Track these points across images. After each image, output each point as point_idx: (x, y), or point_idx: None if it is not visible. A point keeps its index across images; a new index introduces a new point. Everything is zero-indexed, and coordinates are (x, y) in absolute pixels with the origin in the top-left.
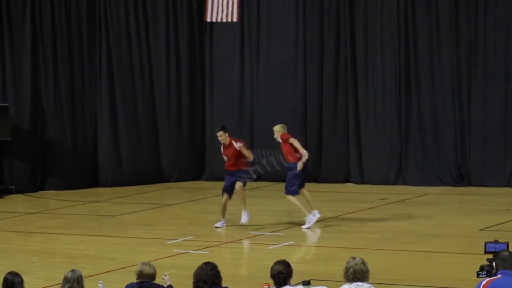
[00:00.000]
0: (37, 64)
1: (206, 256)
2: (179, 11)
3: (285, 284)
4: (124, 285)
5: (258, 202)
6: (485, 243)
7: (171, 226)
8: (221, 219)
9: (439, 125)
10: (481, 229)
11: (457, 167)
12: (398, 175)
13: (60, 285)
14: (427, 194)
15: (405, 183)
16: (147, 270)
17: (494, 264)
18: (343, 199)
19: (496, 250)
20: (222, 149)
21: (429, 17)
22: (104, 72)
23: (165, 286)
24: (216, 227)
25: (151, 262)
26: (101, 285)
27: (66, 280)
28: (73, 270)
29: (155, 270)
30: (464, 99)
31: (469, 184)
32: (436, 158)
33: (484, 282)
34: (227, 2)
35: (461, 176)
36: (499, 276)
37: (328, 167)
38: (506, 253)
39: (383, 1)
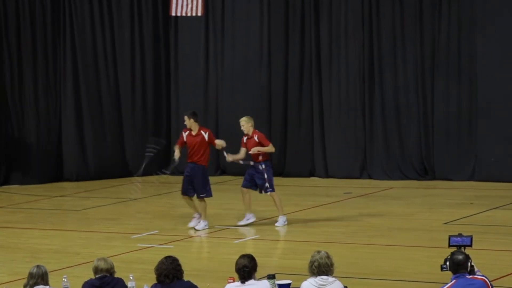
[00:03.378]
0: (2, 59)
1: (171, 250)
2: (144, 4)
3: (250, 278)
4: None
5: (222, 196)
6: (449, 237)
7: (136, 221)
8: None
9: (403, 120)
10: (445, 223)
11: (421, 161)
12: (362, 169)
13: (24, 281)
14: (392, 188)
15: (369, 177)
16: (102, 265)
17: (447, 265)
18: (308, 193)
19: (461, 244)
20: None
21: (393, 12)
22: (68, 66)
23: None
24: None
25: (107, 258)
26: (65, 280)
27: (31, 276)
28: (38, 266)
29: (112, 265)
30: (428, 93)
31: (433, 178)
32: (400, 152)
33: None
34: None
35: (425, 170)
36: (453, 281)
37: (293, 161)
38: (461, 257)
39: None
